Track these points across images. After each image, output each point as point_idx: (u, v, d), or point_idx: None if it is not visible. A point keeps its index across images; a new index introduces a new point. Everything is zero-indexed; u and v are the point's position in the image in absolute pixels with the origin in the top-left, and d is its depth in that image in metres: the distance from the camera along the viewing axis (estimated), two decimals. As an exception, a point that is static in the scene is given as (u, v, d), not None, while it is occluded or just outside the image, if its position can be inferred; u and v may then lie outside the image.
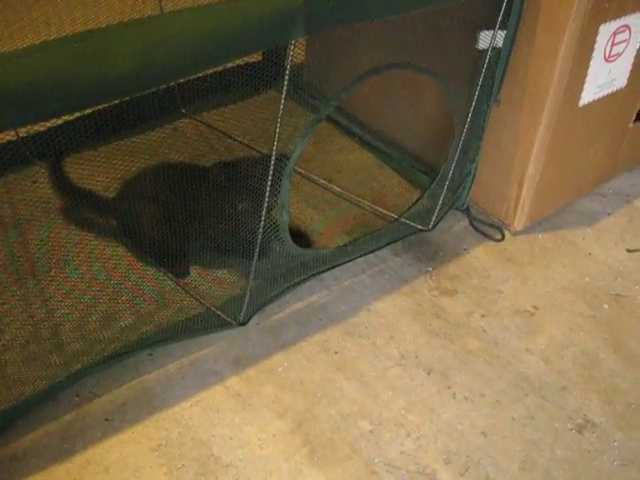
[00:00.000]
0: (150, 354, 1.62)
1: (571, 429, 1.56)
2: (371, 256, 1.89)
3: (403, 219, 1.90)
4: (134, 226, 1.78)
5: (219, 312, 1.66)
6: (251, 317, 1.67)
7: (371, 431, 1.52)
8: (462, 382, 1.63)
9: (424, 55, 1.69)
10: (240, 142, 2.20)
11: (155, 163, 1.91)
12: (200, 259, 1.80)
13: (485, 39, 1.70)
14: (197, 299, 1.69)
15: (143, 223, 1.74)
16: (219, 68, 1.37)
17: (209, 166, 1.73)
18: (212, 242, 1.75)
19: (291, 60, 1.33)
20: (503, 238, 2.01)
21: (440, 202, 1.90)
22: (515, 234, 2.02)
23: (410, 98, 2.07)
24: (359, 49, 1.96)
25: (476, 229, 2.02)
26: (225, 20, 1.21)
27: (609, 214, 2.12)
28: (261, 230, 1.52)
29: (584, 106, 1.86)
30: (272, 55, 2.23)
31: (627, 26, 1.79)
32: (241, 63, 2.20)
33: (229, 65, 1.72)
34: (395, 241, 1.91)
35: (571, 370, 1.68)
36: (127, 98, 1.23)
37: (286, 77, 1.33)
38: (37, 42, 1.09)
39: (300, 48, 1.52)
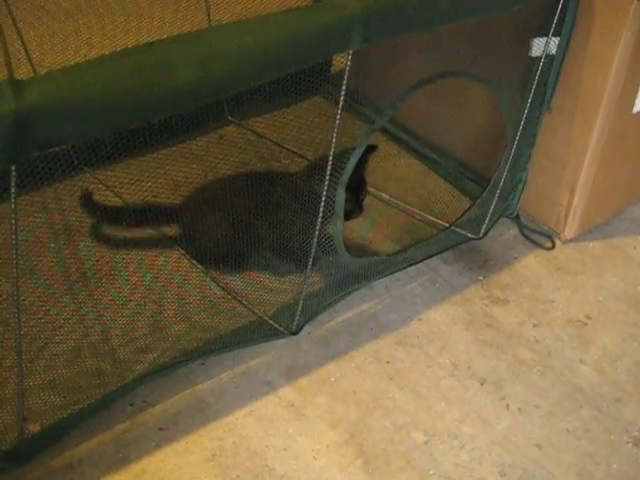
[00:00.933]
0: (202, 363, 1.62)
1: (627, 442, 1.54)
2: (421, 265, 1.88)
3: (454, 227, 1.88)
4: (199, 232, 1.79)
5: (271, 321, 1.66)
6: (303, 326, 1.67)
7: (425, 442, 1.51)
8: (515, 393, 1.62)
9: (477, 63, 1.68)
10: (287, 149, 2.19)
11: (228, 174, 1.95)
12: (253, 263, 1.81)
13: (538, 46, 1.68)
14: (249, 308, 1.69)
15: (210, 229, 1.76)
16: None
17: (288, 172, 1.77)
18: (270, 247, 1.78)
19: (348, 70, 1.32)
20: (554, 246, 1.99)
21: (491, 210, 1.88)
22: (565, 242, 2.00)
23: (458, 105, 2.05)
24: (407, 56, 1.95)
25: (526, 237, 2.00)
26: (282, 32, 1.21)
27: (661, 221, 2.10)
28: (315, 239, 1.51)
29: (637, 113, 1.84)
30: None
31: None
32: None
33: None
34: (446, 250, 1.90)
35: (626, 381, 1.66)
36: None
37: (343, 88, 1.33)
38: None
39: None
